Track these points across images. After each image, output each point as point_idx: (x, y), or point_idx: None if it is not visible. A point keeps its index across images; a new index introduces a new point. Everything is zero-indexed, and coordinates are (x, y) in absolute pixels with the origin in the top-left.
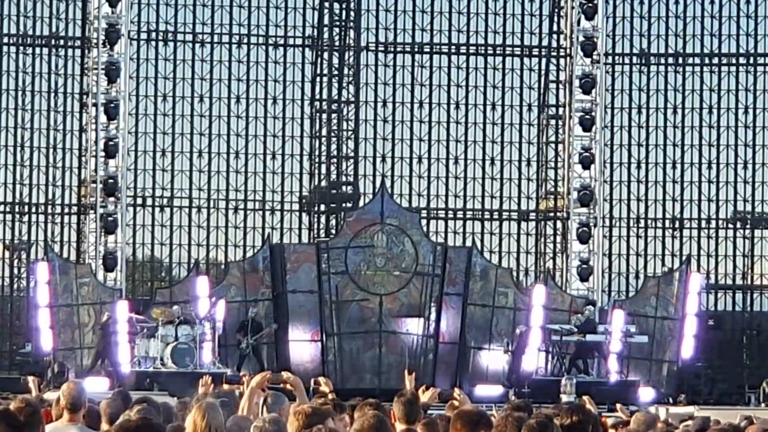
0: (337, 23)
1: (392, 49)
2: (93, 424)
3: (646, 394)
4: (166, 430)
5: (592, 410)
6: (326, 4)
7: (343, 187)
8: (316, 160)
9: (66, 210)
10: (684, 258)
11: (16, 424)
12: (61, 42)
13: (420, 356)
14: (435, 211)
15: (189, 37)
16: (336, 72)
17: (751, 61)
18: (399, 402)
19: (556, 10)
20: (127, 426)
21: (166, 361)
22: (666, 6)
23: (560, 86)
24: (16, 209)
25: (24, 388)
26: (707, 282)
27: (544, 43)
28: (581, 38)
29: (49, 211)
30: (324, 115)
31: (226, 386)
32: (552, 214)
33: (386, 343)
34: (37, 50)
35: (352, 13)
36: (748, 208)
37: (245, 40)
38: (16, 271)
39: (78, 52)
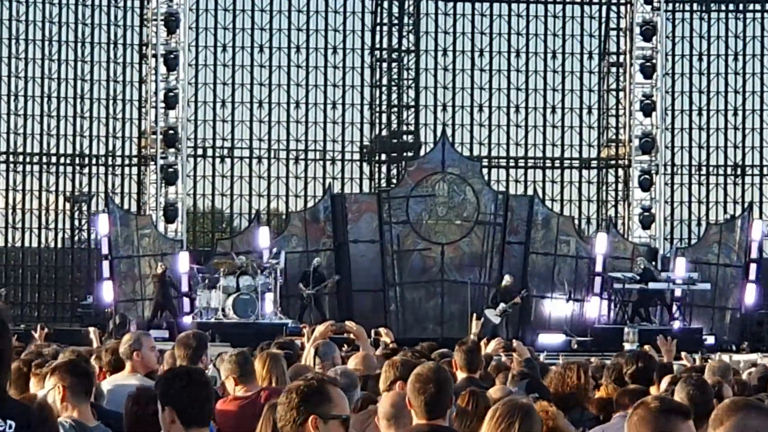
0: None
1: None
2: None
3: (707, 341)
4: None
5: (655, 357)
6: None
7: (404, 137)
8: (377, 109)
9: (126, 161)
10: (746, 205)
11: (83, 372)
12: None
13: (482, 305)
14: (496, 160)
15: None
16: (396, 21)
17: None
18: (460, 350)
19: None
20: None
21: (228, 312)
22: None
23: (621, 34)
24: (77, 161)
25: (85, 340)
26: None
27: None
28: None
29: (110, 162)
30: (384, 65)
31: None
32: (613, 162)
33: (448, 293)
34: (97, 1)
35: None
36: None
37: None
38: (77, 223)
39: (137, 2)
